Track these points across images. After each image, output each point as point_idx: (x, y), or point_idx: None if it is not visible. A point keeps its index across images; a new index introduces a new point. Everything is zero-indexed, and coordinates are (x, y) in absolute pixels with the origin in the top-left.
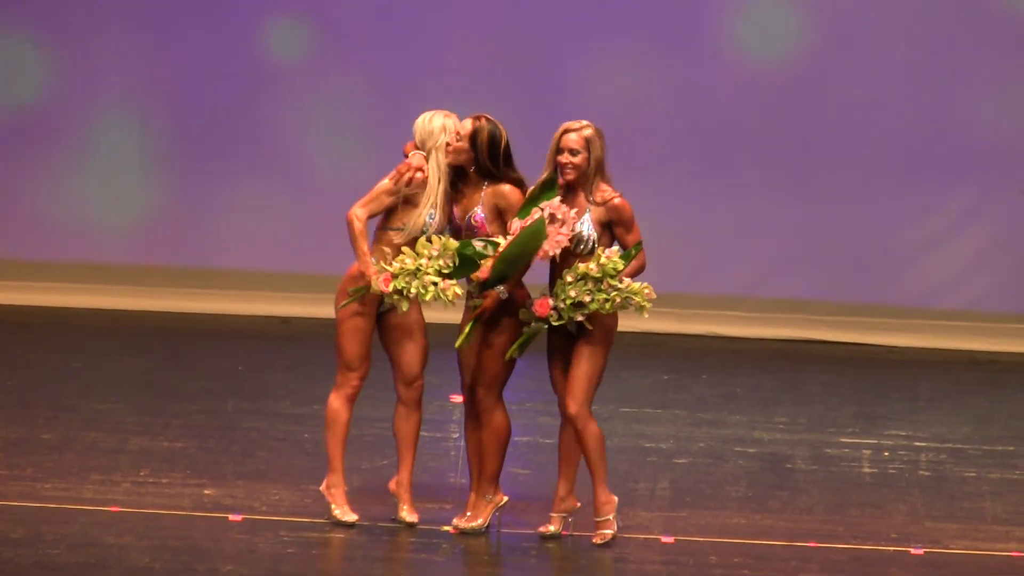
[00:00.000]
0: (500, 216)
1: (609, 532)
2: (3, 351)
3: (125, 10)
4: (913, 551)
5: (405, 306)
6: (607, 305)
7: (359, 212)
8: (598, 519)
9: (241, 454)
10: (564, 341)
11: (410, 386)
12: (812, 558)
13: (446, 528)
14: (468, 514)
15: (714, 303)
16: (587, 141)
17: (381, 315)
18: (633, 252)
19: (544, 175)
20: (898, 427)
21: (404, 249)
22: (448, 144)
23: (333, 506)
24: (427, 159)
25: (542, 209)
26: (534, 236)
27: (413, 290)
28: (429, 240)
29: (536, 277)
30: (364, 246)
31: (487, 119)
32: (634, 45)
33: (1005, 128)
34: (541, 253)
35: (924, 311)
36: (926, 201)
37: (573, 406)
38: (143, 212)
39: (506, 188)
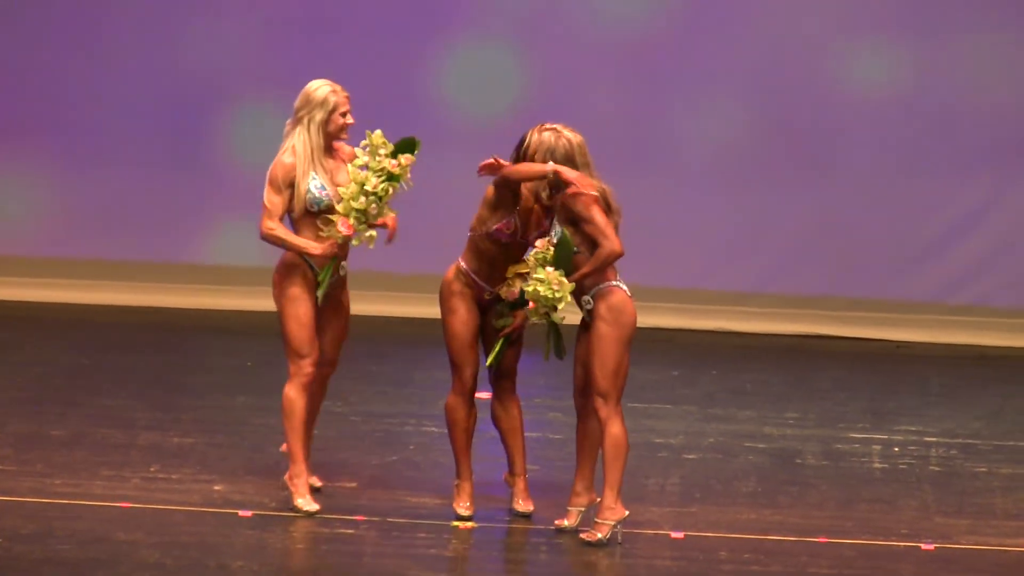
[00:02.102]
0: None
1: (598, 535)
2: (12, 347)
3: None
4: (923, 547)
5: (373, 235)
6: (537, 297)
7: (269, 224)
8: (598, 519)
9: (251, 450)
10: (582, 329)
11: (330, 365)
12: (822, 554)
13: (455, 523)
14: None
15: (724, 299)
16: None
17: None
18: (566, 240)
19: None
20: (908, 422)
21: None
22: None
23: (296, 496)
24: (294, 128)
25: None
26: (563, 257)
27: (371, 204)
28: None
29: None
30: (293, 236)
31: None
32: (646, 39)
33: (1018, 123)
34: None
35: (934, 306)
36: (937, 196)
37: (596, 398)
38: (151, 208)
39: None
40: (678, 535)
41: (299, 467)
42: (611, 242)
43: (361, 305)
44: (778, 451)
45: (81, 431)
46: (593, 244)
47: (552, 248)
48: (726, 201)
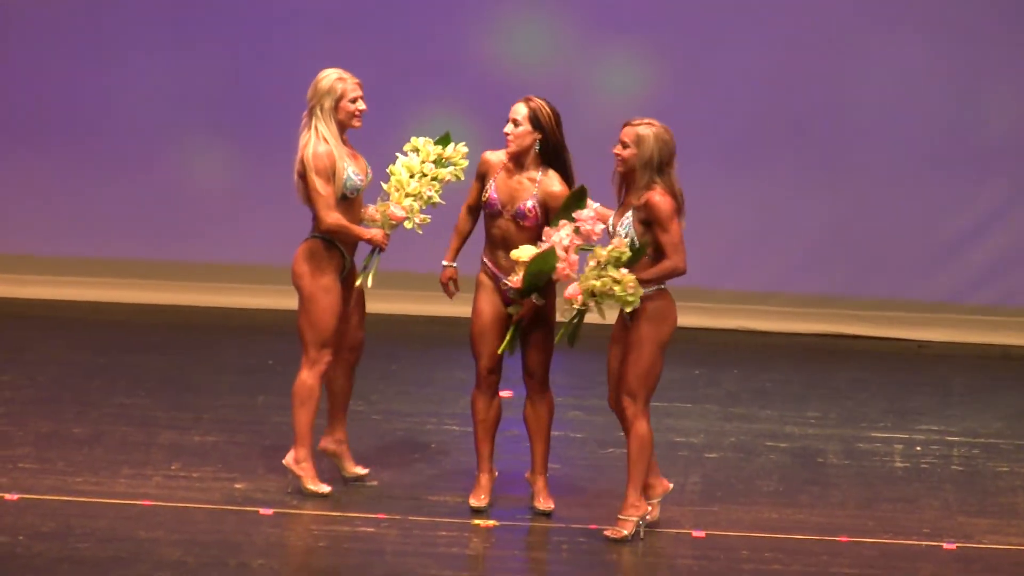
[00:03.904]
0: (548, 215)
1: (622, 531)
2: (31, 346)
3: None
4: (945, 546)
5: (426, 219)
6: (601, 292)
7: (332, 214)
8: (620, 516)
9: (272, 448)
10: (620, 330)
11: (355, 350)
12: (843, 553)
13: (476, 522)
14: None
15: (745, 298)
16: (637, 137)
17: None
18: (643, 248)
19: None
20: (930, 422)
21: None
22: (507, 135)
23: (305, 480)
24: (310, 119)
25: (572, 220)
26: (546, 260)
27: (424, 187)
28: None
29: None
30: (352, 224)
31: (537, 97)
32: (663, 40)
33: None
34: (559, 276)
35: (956, 306)
36: (958, 195)
37: (624, 399)
38: (174, 208)
39: (557, 189)
40: (699, 534)
41: (307, 451)
42: (680, 258)
43: (383, 304)
44: (799, 450)
45: (101, 429)
46: (657, 248)
47: (628, 250)
48: (748, 201)
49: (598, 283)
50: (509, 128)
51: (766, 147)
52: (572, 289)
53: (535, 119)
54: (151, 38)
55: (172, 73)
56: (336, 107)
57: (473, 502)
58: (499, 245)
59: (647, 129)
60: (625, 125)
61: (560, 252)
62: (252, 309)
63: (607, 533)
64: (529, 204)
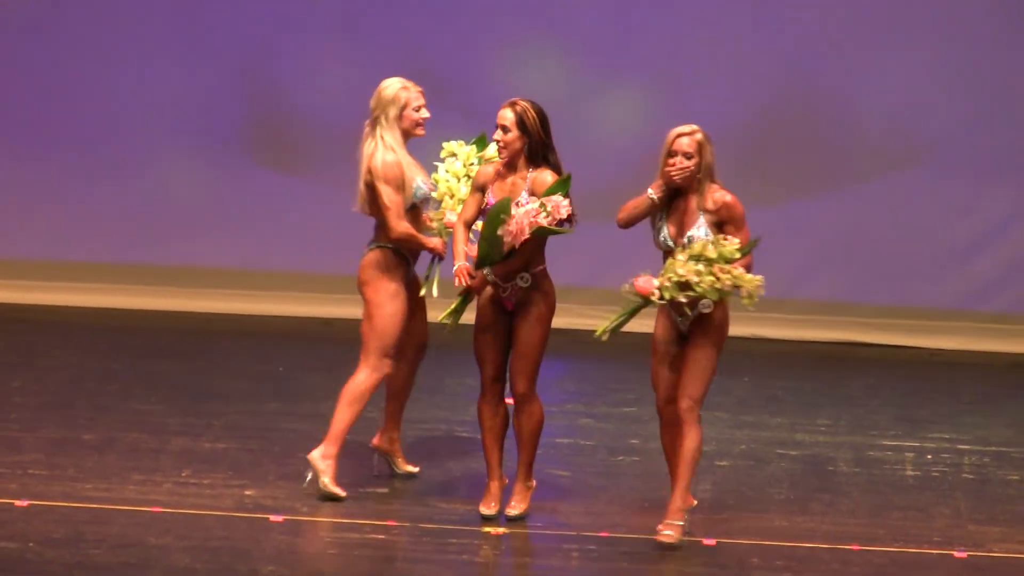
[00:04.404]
0: None
1: (673, 535)
2: (42, 352)
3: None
4: (956, 554)
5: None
6: (715, 288)
7: (402, 224)
8: (669, 520)
9: (282, 455)
10: (672, 337)
11: (421, 351)
12: (854, 561)
13: (486, 529)
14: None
15: (756, 305)
16: (699, 145)
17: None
18: (750, 247)
19: (565, 174)
20: (940, 430)
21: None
22: (499, 142)
23: (325, 477)
24: (374, 128)
25: (543, 205)
26: (497, 215)
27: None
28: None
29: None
30: (418, 234)
31: (524, 100)
32: (671, 44)
33: None
34: (502, 230)
35: (966, 313)
36: (968, 203)
37: (687, 402)
38: (187, 214)
39: (548, 178)
40: (710, 542)
41: (336, 450)
42: (748, 257)
43: None
44: (810, 458)
45: (112, 436)
46: None
47: (728, 248)
48: (759, 207)
49: (718, 280)
50: (499, 135)
51: (776, 153)
52: (645, 283)
53: (522, 123)
54: (157, 39)
55: (179, 75)
56: (400, 116)
57: (483, 509)
58: None
59: (701, 136)
60: (677, 136)
61: (514, 211)
62: (263, 316)
63: (661, 539)
64: (523, 200)
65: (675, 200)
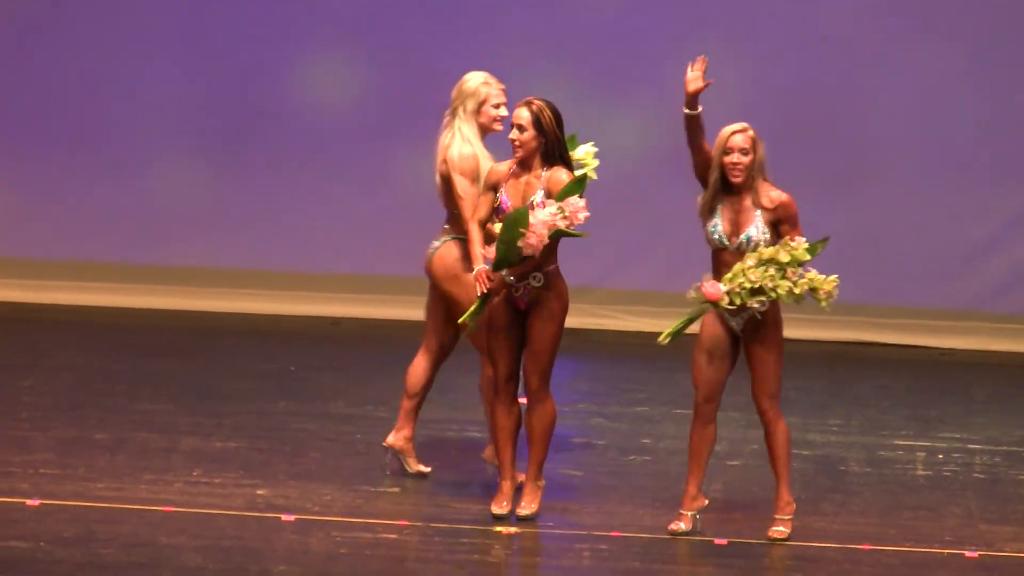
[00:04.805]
0: None
1: (785, 531)
2: (51, 352)
3: None
4: (967, 554)
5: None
6: (792, 292)
7: (475, 215)
8: (778, 516)
9: (293, 454)
10: (724, 337)
11: (446, 353)
12: (865, 561)
13: (498, 529)
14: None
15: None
16: (753, 142)
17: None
18: (819, 246)
19: (578, 173)
20: (952, 430)
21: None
22: (514, 141)
23: (408, 460)
24: (453, 119)
25: (561, 209)
26: (516, 223)
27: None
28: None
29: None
30: (473, 243)
31: (538, 99)
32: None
33: None
34: (522, 243)
35: (977, 314)
36: (979, 203)
37: (768, 401)
38: (193, 213)
39: (563, 176)
40: (721, 542)
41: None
42: None
43: (402, 310)
44: (821, 458)
45: (123, 435)
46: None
47: (799, 250)
48: None
49: (795, 285)
50: (515, 135)
51: (789, 154)
52: (713, 289)
53: (538, 122)
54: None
55: (179, 75)
56: (478, 110)
57: (495, 509)
58: None
59: (753, 132)
60: (732, 134)
61: (532, 219)
62: (274, 315)
63: (773, 535)
64: (538, 199)
65: (727, 197)
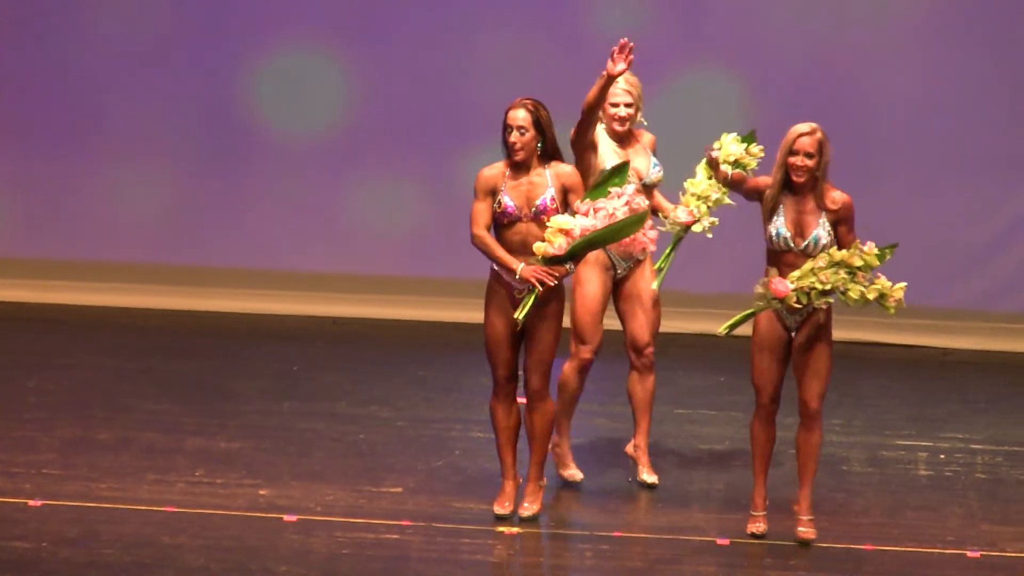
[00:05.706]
0: (566, 196)
1: (813, 531)
2: (57, 351)
3: None
4: (969, 554)
5: (715, 221)
6: (864, 296)
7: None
8: (807, 517)
9: (296, 455)
10: (780, 335)
11: (641, 353)
12: (867, 561)
13: (500, 529)
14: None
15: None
16: (820, 144)
17: (616, 283)
18: (888, 252)
19: (619, 162)
20: (954, 430)
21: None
22: (515, 143)
23: (560, 466)
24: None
25: (618, 195)
26: (628, 227)
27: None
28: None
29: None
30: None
31: (529, 99)
32: (689, 42)
33: None
34: (635, 243)
35: (980, 314)
36: (982, 203)
37: (817, 402)
38: (196, 213)
39: (569, 168)
40: (723, 541)
41: (562, 439)
42: None
43: (408, 311)
44: (824, 458)
45: (127, 435)
46: (840, 248)
47: (871, 255)
48: None
49: (866, 289)
50: (515, 136)
51: None
52: (781, 286)
53: (536, 122)
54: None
55: (187, 77)
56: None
57: (498, 509)
58: (518, 250)
59: (821, 134)
60: (799, 136)
61: (613, 208)
62: (279, 315)
63: (801, 536)
64: (549, 197)
65: (789, 197)
